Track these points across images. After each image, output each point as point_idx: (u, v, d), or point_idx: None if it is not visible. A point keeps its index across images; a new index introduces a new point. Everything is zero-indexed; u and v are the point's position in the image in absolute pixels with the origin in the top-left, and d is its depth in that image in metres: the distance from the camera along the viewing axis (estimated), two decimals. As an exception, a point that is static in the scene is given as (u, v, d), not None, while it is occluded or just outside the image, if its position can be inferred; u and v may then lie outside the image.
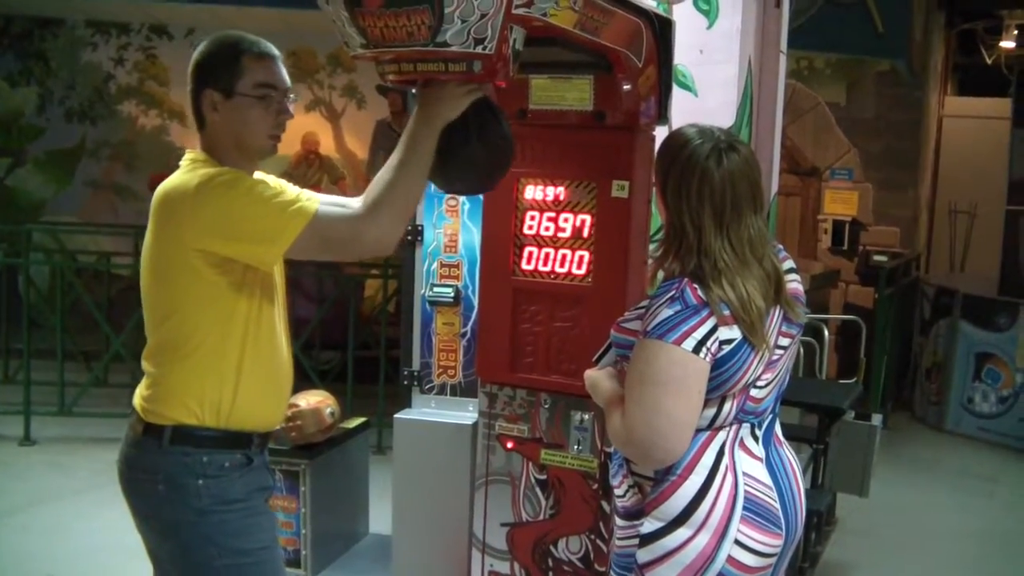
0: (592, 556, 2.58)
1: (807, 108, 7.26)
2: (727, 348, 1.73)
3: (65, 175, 8.40)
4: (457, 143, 1.86)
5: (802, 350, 4.96)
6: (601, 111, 2.43)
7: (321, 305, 5.81)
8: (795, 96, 6.96)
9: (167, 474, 1.88)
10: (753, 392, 1.82)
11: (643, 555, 1.80)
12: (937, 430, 6.50)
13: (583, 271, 2.51)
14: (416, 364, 3.25)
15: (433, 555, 3.11)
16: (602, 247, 2.48)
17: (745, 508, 1.78)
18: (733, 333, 1.73)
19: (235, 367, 1.91)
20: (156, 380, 1.93)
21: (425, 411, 3.23)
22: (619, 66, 2.27)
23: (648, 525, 1.80)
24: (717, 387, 1.76)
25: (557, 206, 2.54)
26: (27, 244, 5.99)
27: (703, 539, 1.75)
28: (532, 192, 2.56)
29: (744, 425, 1.83)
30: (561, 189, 2.53)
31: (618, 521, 1.94)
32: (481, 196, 2.73)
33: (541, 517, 2.64)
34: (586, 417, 2.54)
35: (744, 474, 1.80)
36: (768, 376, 1.83)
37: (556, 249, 2.54)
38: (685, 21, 2.75)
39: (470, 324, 3.14)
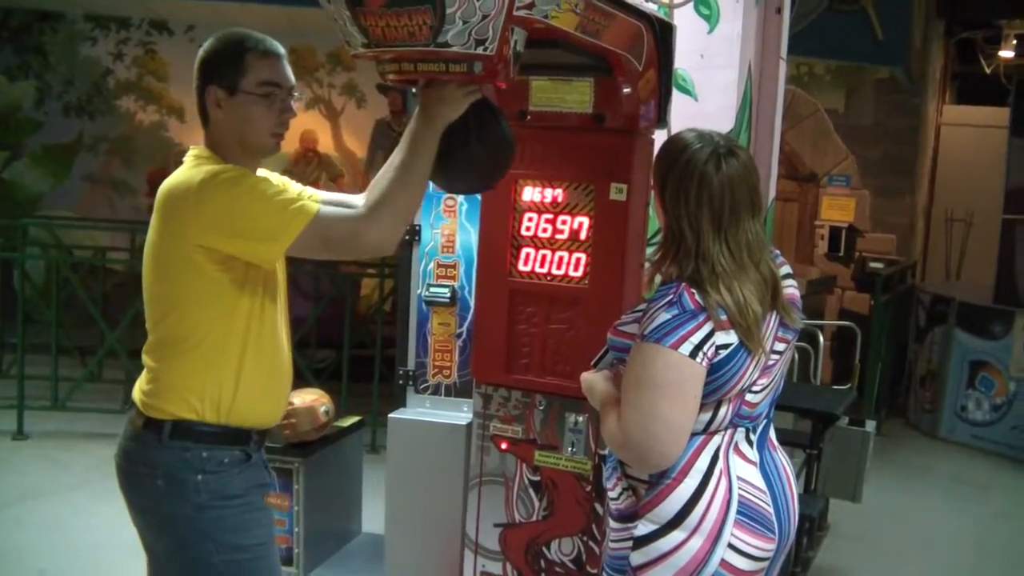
0: (585, 558, 2.58)
1: (806, 114, 7.27)
2: (724, 353, 1.73)
3: (62, 169, 8.39)
4: (458, 143, 1.87)
5: (797, 355, 4.96)
6: (601, 114, 2.43)
7: (317, 303, 5.81)
8: (794, 102, 6.98)
9: (166, 469, 1.89)
10: (748, 397, 1.82)
11: (637, 557, 1.80)
12: (931, 437, 6.51)
13: (580, 273, 2.51)
14: (411, 364, 3.25)
15: (426, 555, 3.11)
16: (599, 250, 2.48)
17: (739, 512, 1.78)
18: (730, 338, 1.74)
19: (236, 364, 1.91)
20: (157, 375, 1.93)
21: (420, 411, 3.23)
22: (619, 69, 2.27)
23: (642, 528, 1.80)
24: (713, 391, 1.76)
25: (555, 208, 2.54)
26: (23, 238, 5.98)
27: (697, 542, 1.76)
28: (530, 193, 2.56)
29: (739, 429, 1.84)
30: (559, 191, 2.53)
31: (612, 523, 1.94)
32: (479, 197, 2.73)
33: (534, 518, 2.64)
34: (580, 419, 2.54)
35: (738, 478, 1.80)
36: (764, 381, 1.84)
37: (553, 251, 2.54)
38: (686, 25, 2.76)
39: (466, 324, 3.14)
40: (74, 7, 8.01)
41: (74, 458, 4.90)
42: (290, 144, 8.00)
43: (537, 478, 2.62)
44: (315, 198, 2.08)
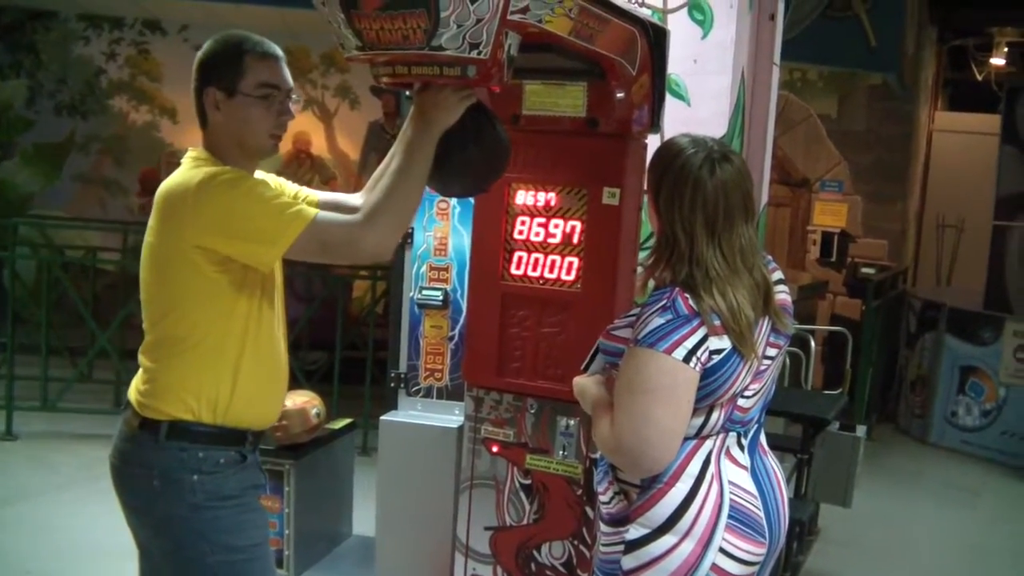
0: (575, 561, 2.58)
1: (799, 120, 7.30)
2: (717, 358, 1.74)
3: (53, 169, 8.35)
4: (454, 147, 1.88)
5: (788, 360, 4.98)
6: (594, 118, 2.43)
7: (310, 305, 5.80)
8: (787, 107, 7.00)
9: (162, 469, 1.89)
10: (740, 402, 1.82)
11: (628, 561, 1.80)
12: (921, 442, 6.53)
13: (572, 277, 2.51)
14: (403, 366, 3.25)
15: (416, 558, 3.11)
16: (591, 253, 2.48)
17: (730, 516, 1.78)
18: (723, 343, 1.74)
19: (233, 365, 1.92)
20: (153, 375, 1.94)
21: (411, 413, 3.23)
22: (613, 74, 2.28)
23: (634, 532, 1.80)
24: (706, 396, 1.76)
25: (548, 212, 2.54)
26: (13, 238, 5.95)
27: (688, 546, 1.76)
28: (523, 197, 2.57)
29: (731, 434, 1.84)
30: (552, 195, 2.53)
31: (603, 527, 1.94)
32: (472, 200, 2.73)
33: (525, 522, 2.64)
34: (572, 423, 2.54)
35: (730, 483, 1.81)
36: (756, 386, 1.84)
37: (546, 254, 2.55)
38: (679, 31, 2.77)
39: (458, 327, 3.14)
40: (67, 6, 7.98)
41: (63, 459, 4.88)
42: (283, 145, 7.94)
43: (528, 481, 2.62)
44: (312, 200, 2.08)
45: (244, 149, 1.94)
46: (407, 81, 1.83)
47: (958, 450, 6.30)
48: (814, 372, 5.67)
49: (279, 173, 2.20)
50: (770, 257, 1.95)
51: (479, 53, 1.68)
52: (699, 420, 1.79)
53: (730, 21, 2.87)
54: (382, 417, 3.24)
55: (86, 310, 5.63)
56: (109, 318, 5.57)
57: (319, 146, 8.31)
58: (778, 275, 1.91)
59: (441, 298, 3.15)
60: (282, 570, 3.47)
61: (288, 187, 2.13)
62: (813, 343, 5.47)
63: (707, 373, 1.74)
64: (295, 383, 4.73)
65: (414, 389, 3.23)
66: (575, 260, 2.51)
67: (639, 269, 2.36)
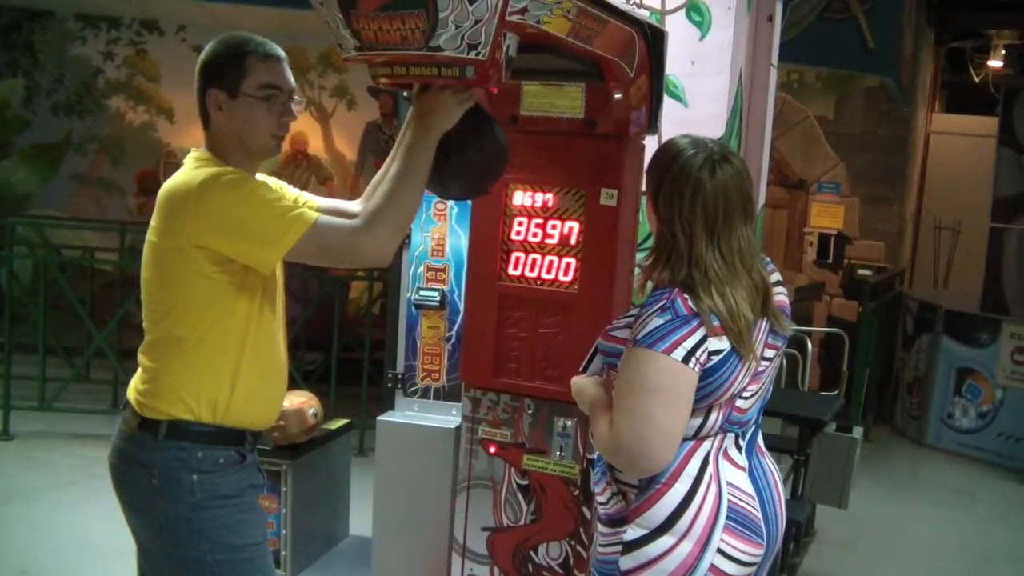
0: (572, 562, 2.58)
1: (796, 121, 7.31)
2: (716, 359, 1.74)
3: (50, 169, 8.35)
4: (454, 149, 1.89)
5: (785, 361, 4.98)
6: (592, 119, 2.43)
7: (306, 305, 5.80)
8: (784, 109, 7.01)
9: (162, 468, 1.89)
10: (739, 403, 1.83)
11: (626, 562, 1.80)
12: (917, 444, 6.54)
13: (570, 278, 2.51)
14: (400, 367, 3.24)
15: (413, 558, 3.11)
16: (589, 254, 2.48)
17: (728, 517, 1.79)
18: (722, 344, 1.74)
19: (233, 365, 1.92)
20: (154, 375, 1.94)
21: (408, 414, 3.22)
22: (611, 75, 2.28)
23: (631, 532, 1.80)
24: (704, 397, 1.76)
25: (545, 212, 2.54)
26: (10, 237, 5.95)
27: (686, 547, 1.76)
28: (521, 198, 2.57)
29: (728, 435, 1.84)
30: (550, 196, 2.53)
31: (600, 528, 1.94)
32: (469, 201, 2.73)
33: (522, 522, 2.64)
34: (569, 423, 2.54)
35: (728, 483, 1.81)
36: (753, 387, 1.84)
37: (543, 255, 2.55)
38: (677, 32, 2.77)
39: (455, 328, 3.14)
40: (65, 6, 7.98)
41: (59, 459, 4.87)
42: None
43: (525, 482, 2.62)
44: (313, 205, 2.09)
45: (246, 150, 1.95)
46: (405, 82, 1.83)
47: (954, 452, 6.30)
48: (811, 373, 5.69)
49: (276, 173, 2.20)
50: (768, 259, 1.95)
51: (477, 54, 1.68)
52: (697, 421, 1.79)
53: (728, 22, 2.87)
54: (379, 417, 3.23)
55: (83, 310, 5.63)
56: (106, 318, 5.56)
57: (316, 146, 8.31)
58: (776, 277, 1.91)
59: (438, 299, 3.15)
60: (279, 570, 3.47)
61: (289, 191, 2.13)
62: (810, 344, 5.48)
63: (706, 374, 1.74)
64: (292, 383, 4.72)
65: (411, 390, 3.23)
66: (572, 261, 2.51)
67: (637, 270, 2.36)
